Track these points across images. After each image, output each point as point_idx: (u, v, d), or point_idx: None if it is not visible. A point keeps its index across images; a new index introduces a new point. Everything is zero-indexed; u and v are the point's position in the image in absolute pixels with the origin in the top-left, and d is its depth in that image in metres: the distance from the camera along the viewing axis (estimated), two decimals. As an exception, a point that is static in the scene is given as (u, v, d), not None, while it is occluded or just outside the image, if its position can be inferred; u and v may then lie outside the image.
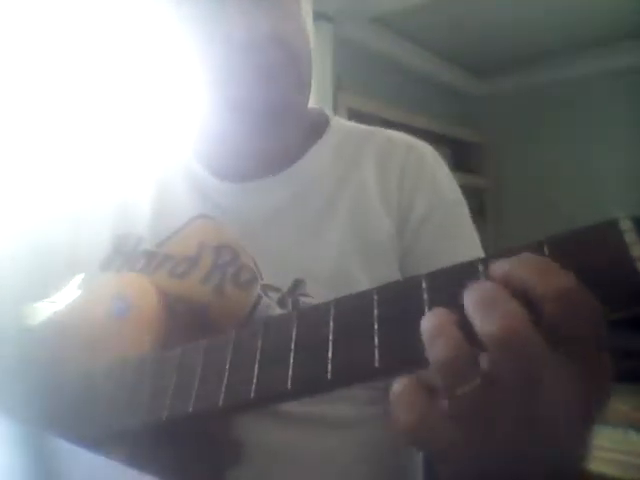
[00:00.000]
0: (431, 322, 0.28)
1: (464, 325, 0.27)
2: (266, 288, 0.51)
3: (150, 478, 0.27)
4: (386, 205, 0.56)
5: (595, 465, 1.32)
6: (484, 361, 0.26)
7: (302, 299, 0.51)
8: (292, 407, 0.48)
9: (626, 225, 0.26)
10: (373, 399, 0.52)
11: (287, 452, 0.49)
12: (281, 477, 0.49)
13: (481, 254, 0.54)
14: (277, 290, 0.52)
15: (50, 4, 1.11)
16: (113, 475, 0.30)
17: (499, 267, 0.28)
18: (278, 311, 0.50)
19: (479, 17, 2.24)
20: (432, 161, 0.60)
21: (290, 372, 0.32)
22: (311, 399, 0.49)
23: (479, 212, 2.91)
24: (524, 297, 0.26)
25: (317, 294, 0.51)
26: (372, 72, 2.37)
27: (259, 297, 0.50)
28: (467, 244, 0.57)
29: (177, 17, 0.53)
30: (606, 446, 1.38)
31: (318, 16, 1.92)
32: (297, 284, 0.51)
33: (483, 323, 0.26)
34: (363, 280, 0.52)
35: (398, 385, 0.28)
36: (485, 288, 0.27)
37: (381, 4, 2.12)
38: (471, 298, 0.27)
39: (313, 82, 0.57)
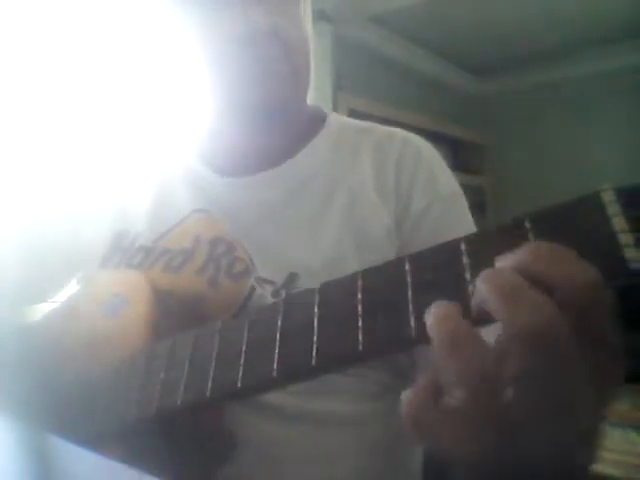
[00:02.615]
0: (436, 313, 0.26)
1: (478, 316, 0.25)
2: (260, 281, 0.51)
3: (149, 478, 0.27)
4: (383, 199, 0.56)
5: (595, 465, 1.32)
6: (508, 361, 0.24)
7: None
8: (286, 402, 0.48)
9: (609, 196, 0.25)
10: (370, 395, 0.52)
11: (280, 449, 0.49)
12: (273, 474, 0.49)
13: None
14: (271, 283, 0.52)
15: (50, 3, 1.10)
16: (113, 475, 0.30)
17: (513, 257, 0.26)
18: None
19: (479, 17, 2.24)
20: (429, 154, 0.61)
21: (275, 359, 0.32)
22: (307, 395, 0.48)
23: (479, 212, 2.91)
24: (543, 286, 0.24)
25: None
26: (372, 72, 2.36)
27: (252, 288, 0.50)
28: None
29: (178, 10, 0.53)
30: (606, 446, 1.38)
31: (318, 16, 1.92)
32: (292, 278, 0.52)
33: (509, 316, 0.24)
34: None
35: (409, 392, 0.27)
36: (504, 276, 0.25)
37: (381, 4, 2.12)
38: (489, 287, 0.25)
39: (313, 82, 0.58)
